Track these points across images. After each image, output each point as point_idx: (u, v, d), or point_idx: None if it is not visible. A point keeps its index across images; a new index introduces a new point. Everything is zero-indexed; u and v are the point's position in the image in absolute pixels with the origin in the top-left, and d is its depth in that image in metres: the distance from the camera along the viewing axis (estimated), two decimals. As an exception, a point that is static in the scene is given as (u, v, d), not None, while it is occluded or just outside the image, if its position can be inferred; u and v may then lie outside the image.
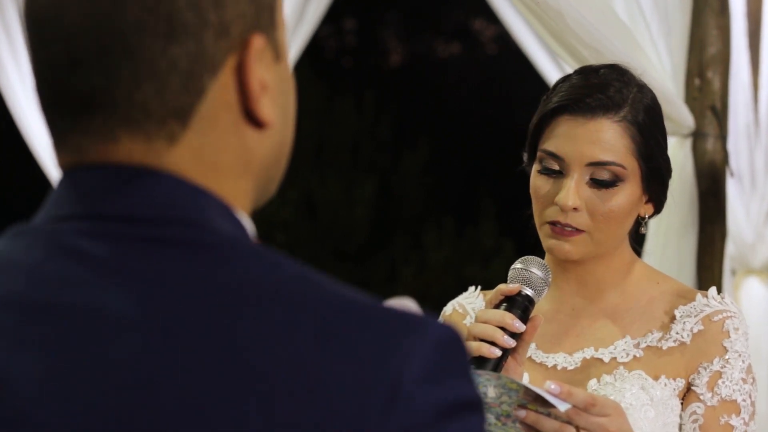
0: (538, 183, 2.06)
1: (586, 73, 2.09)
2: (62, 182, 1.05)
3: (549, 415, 1.81)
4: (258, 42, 1.04)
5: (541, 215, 2.06)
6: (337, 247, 10.08)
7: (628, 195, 2.04)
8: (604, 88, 2.04)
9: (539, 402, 1.79)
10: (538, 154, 2.06)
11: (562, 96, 2.05)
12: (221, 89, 1.03)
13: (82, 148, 1.03)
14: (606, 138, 2.02)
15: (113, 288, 0.98)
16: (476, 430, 0.99)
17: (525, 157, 2.12)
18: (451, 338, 0.99)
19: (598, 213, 2.03)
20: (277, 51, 1.07)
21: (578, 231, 2.03)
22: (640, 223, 2.11)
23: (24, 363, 0.97)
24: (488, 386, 1.79)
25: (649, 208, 2.10)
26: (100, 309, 0.97)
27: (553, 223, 2.04)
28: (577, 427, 1.83)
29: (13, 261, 1.02)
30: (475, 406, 0.99)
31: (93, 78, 1.01)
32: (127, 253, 0.99)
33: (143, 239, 1.00)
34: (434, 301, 2.30)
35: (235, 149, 1.05)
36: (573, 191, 2.01)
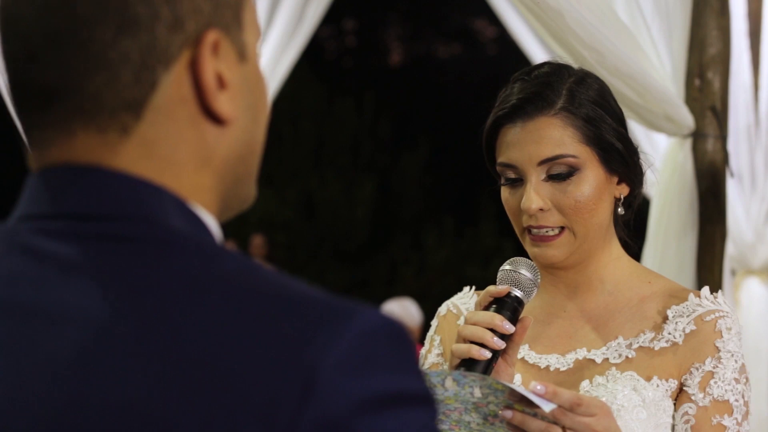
0: (505, 196, 2.08)
1: (521, 79, 2.11)
2: (27, 183, 1.08)
3: (535, 415, 1.81)
4: (211, 37, 1.05)
5: (517, 225, 2.08)
6: (337, 247, 10.08)
7: (590, 181, 2.04)
8: (539, 88, 2.06)
9: (525, 402, 1.79)
10: (497, 169, 2.08)
11: (501, 107, 2.07)
12: (175, 83, 1.04)
13: (44, 142, 1.06)
14: (548, 134, 2.03)
15: (62, 285, 1.00)
16: (414, 426, 0.96)
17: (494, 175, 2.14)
18: (383, 328, 0.97)
19: (565, 206, 2.03)
20: (241, 51, 1.08)
21: (559, 233, 2.04)
22: (617, 205, 2.12)
23: None
24: (474, 387, 1.80)
25: (623, 188, 2.10)
26: (48, 305, 0.99)
27: (528, 230, 2.05)
28: (564, 427, 1.83)
29: None
30: (414, 400, 0.96)
31: (48, 71, 1.04)
32: (78, 250, 1.01)
33: (93, 236, 1.01)
34: (434, 301, 2.30)
35: (192, 143, 1.05)
36: (533, 193, 2.03)
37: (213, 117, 1.06)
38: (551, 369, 2.08)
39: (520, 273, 1.97)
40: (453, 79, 11.66)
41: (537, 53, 4.11)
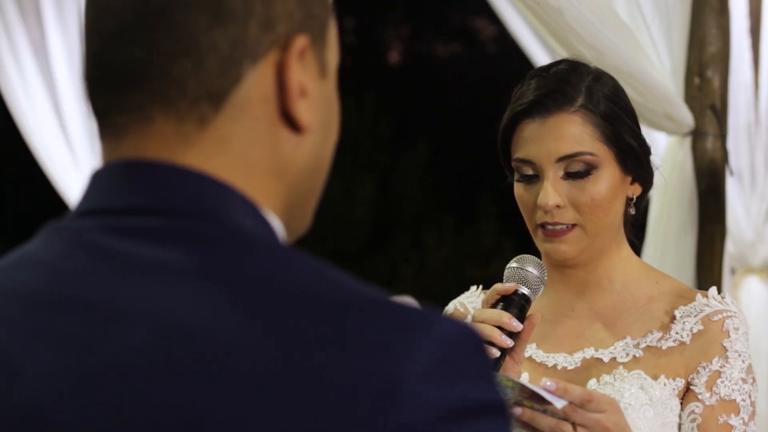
0: (519, 192, 2.08)
1: (538, 75, 2.10)
2: (92, 177, 1.06)
3: (545, 412, 1.81)
4: (301, 42, 1.05)
5: (530, 221, 2.08)
6: (337, 247, 10.08)
7: (606, 180, 2.04)
8: (558, 84, 2.05)
9: (535, 399, 1.80)
10: (513, 164, 2.08)
11: (518, 103, 2.06)
12: (259, 80, 1.04)
13: (120, 129, 1.04)
14: (568, 131, 2.03)
15: (131, 283, 0.98)
16: None
17: (507, 170, 2.14)
18: (463, 337, 0.96)
19: (581, 204, 2.03)
20: (323, 67, 1.08)
21: (570, 228, 2.04)
22: (629, 205, 2.12)
23: (39, 357, 0.97)
24: None
25: (636, 188, 2.11)
26: (118, 304, 0.97)
27: (543, 226, 2.05)
28: (574, 424, 1.83)
29: (38, 257, 1.04)
30: (493, 409, 0.95)
31: (134, 50, 1.03)
32: (153, 249, 0.99)
33: (168, 234, 1.00)
34: (434, 301, 2.30)
35: (266, 146, 1.04)
36: (550, 190, 2.03)
37: (291, 123, 1.05)
38: (558, 367, 2.08)
39: (527, 270, 1.97)
40: (453, 78, 11.66)
41: (537, 52, 4.11)
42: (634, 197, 2.11)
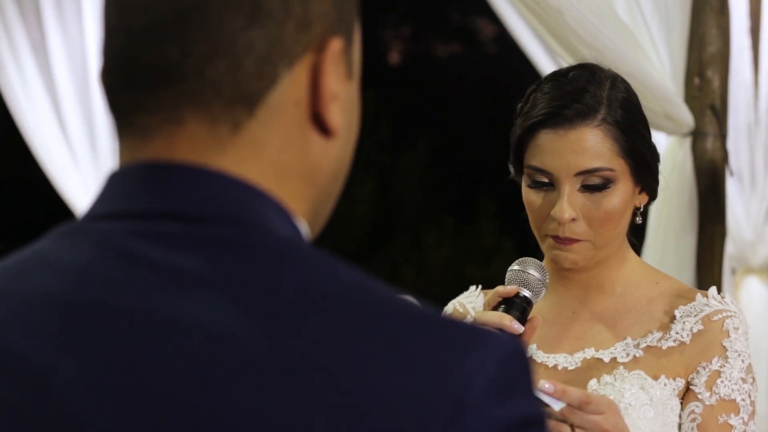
0: (531, 198, 2.06)
1: (556, 79, 2.08)
2: (110, 178, 1.02)
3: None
4: (337, 45, 1.03)
5: (540, 229, 2.07)
6: (337, 247, 10.07)
7: (621, 194, 2.04)
8: (578, 94, 2.03)
9: None
10: (525, 170, 2.06)
11: (538, 110, 2.04)
12: (294, 83, 1.01)
13: (148, 131, 1.00)
14: (589, 145, 2.02)
15: (166, 290, 0.95)
16: None
17: (511, 169, 2.12)
18: (517, 353, 0.96)
19: (595, 218, 2.03)
20: (350, 69, 1.06)
21: (580, 239, 2.04)
22: (635, 214, 2.12)
23: (70, 364, 0.94)
24: None
25: (643, 198, 2.11)
26: (150, 312, 0.94)
27: (554, 236, 2.04)
28: (572, 426, 1.83)
29: (56, 260, 0.99)
30: (539, 422, 0.96)
31: (167, 49, 0.98)
32: (181, 254, 0.96)
33: (203, 241, 0.96)
34: (434, 301, 2.29)
35: (298, 150, 1.02)
36: (566, 204, 2.01)
37: (321, 126, 1.02)
38: (559, 368, 2.08)
39: (528, 273, 1.97)
40: (453, 78, 11.66)
41: (537, 52, 4.11)
42: (641, 206, 2.11)
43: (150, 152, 1.00)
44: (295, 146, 1.02)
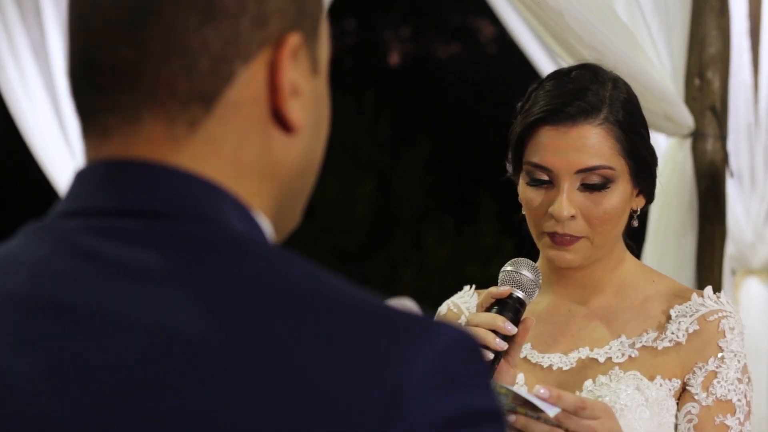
0: (529, 195, 2.06)
1: (559, 78, 2.08)
2: (76, 177, 1.04)
3: (539, 419, 1.81)
4: (294, 40, 1.02)
5: (537, 226, 2.06)
6: (337, 247, 10.07)
7: (620, 194, 2.04)
8: (581, 92, 2.03)
9: (529, 406, 1.79)
10: (525, 166, 2.06)
11: (540, 107, 2.04)
12: (250, 80, 1.01)
13: (106, 130, 1.01)
14: (591, 143, 2.02)
15: (119, 287, 0.95)
16: None
17: (509, 167, 2.12)
18: (463, 344, 0.94)
19: (593, 217, 2.03)
20: (315, 64, 1.05)
21: (577, 238, 2.04)
22: (632, 217, 2.12)
23: (25, 363, 0.95)
24: None
25: (640, 201, 2.11)
26: (102, 309, 0.95)
27: (551, 234, 2.04)
28: (567, 431, 1.83)
29: (21, 259, 1.00)
30: (490, 416, 0.94)
31: (123, 50, 0.99)
32: (136, 250, 0.96)
33: (153, 235, 0.97)
34: (434, 301, 2.30)
35: (257, 147, 1.02)
36: (566, 201, 2.01)
37: (282, 123, 1.02)
38: (554, 368, 2.08)
39: (521, 274, 1.97)
40: (453, 79, 11.66)
41: (537, 53, 4.11)
42: (638, 209, 2.11)
43: (110, 151, 1.01)
44: (254, 143, 1.02)
